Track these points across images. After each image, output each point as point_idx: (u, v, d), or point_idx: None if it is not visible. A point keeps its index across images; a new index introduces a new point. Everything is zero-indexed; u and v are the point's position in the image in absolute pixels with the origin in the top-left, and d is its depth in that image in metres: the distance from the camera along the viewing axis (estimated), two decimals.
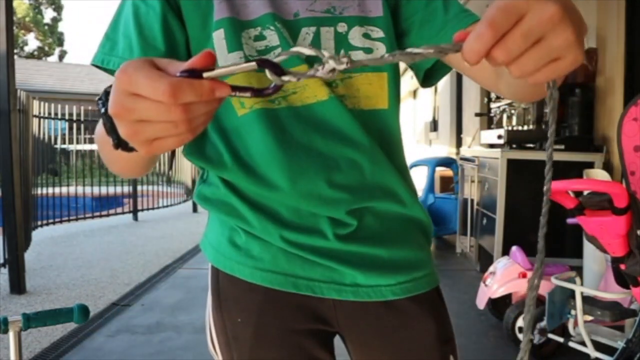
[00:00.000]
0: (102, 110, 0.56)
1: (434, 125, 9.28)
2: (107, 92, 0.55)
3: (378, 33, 0.79)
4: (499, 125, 4.80)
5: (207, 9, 0.76)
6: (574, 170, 3.16)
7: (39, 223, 5.94)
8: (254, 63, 0.43)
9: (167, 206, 8.69)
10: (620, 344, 2.20)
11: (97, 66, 0.76)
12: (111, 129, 0.55)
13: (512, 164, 3.47)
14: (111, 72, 0.76)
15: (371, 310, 0.80)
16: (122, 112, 0.43)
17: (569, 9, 0.41)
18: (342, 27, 0.78)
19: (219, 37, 0.74)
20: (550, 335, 2.52)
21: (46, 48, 22.99)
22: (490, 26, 0.40)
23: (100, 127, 0.64)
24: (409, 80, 9.71)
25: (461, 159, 4.80)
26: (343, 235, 0.78)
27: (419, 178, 5.00)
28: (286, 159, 0.75)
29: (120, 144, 0.55)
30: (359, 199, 0.78)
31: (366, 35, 0.78)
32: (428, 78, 0.86)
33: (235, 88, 0.43)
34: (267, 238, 0.77)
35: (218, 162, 0.79)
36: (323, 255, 0.77)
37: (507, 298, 2.93)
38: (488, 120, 5.48)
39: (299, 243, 0.77)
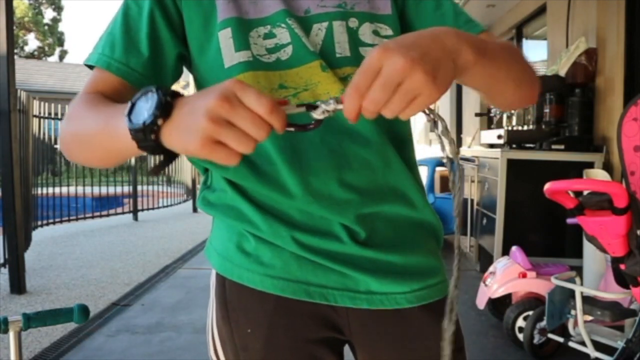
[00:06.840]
0: (159, 98, 0.52)
1: (434, 125, 9.26)
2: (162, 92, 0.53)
3: (387, 31, 0.79)
4: (499, 125, 4.80)
5: (210, 8, 0.75)
6: (574, 170, 3.16)
7: (39, 223, 5.94)
8: (304, 108, 0.55)
9: (167, 206, 8.69)
10: (620, 344, 2.20)
11: (88, 66, 0.76)
12: (160, 113, 0.52)
13: (512, 164, 3.47)
14: (90, 67, 0.76)
15: (384, 319, 0.78)
16: (225, 105, 0.49)
17: (418, 59, 0.50)
18: (353, 22, 0.77)
19: (225, 37, 0.74)
20: (550, 335, 2.53)
21: (46, 48, 22.94)
22: (354, 88, 0.51)
23: (99, 117, 0.63)
24: None
25: (461, 159, 4.80)
26: (359, 239, 0.76)
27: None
28: (296, 156, 0.73)
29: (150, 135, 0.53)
30: (370, 201, 0.76)
31: (376, 32, 0.78)
32: None
33: (291, 125, 0.54)
34: (278, 242, 0.75)
35: None
36: (337, 260, 0.74)
37: (507, 298, 2.93)
38: (488, 120, 5.48)
39: (312, 246, 0.74)
